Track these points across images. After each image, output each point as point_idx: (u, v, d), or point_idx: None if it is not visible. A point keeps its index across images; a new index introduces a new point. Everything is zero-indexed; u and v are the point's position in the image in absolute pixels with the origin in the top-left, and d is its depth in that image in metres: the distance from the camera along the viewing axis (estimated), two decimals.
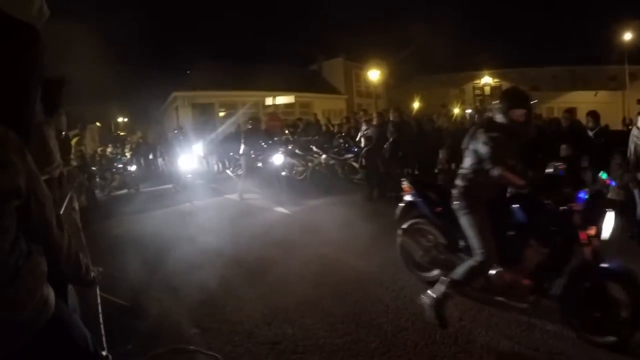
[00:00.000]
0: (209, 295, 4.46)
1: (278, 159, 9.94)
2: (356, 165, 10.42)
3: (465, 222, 3.51)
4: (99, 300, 3.68)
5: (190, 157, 11.46)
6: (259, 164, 9.91)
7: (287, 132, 14.01)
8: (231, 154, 12.65)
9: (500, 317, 3.64)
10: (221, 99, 25.47)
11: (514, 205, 3.50)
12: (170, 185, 12.54)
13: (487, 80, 37.95)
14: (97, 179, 13.38)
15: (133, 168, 14.67)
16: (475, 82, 38.51)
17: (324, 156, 11.16)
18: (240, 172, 10.91)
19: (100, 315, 3.33)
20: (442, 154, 8.18)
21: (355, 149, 10.82)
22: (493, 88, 36.67)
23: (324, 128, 15.39)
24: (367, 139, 9.81)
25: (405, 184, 4.55)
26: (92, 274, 1.91)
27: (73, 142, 9.41)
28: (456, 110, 22.46)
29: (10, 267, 1.36)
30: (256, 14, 57.90)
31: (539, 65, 33.94)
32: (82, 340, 1.68)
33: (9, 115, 1.47)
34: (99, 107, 23.44)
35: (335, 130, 14.56)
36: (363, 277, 4.81)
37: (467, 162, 3.57)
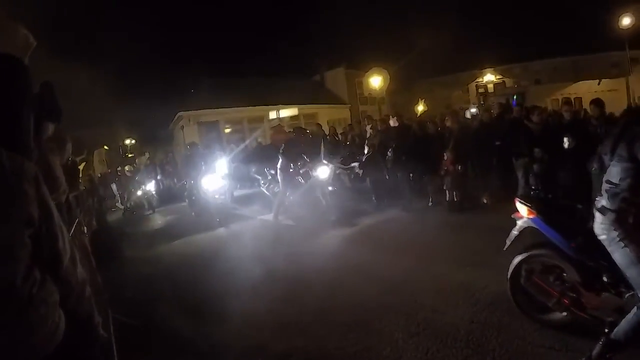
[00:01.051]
0: (221, 311, 4.49)
1: (323, 172, 8.92)
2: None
3: (623, 256, 2.65)
4: (110, 321, 3.73)
5: (215, 177, 9.76)
6: (300, 179, 8.93)
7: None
8: (266, 169, 11.08)
9: (513, 318, 3.60)
10: (226, 116, 25.64)
11: None
12: (184, 203, 12.09)
13: (489, 77, 37.89)
14: (118, 198, 13.37)
15: (150, 187, 14.18)
16: (478, 80, 38.48)
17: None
18: (277, 189, 9.66)
19: (112, 337, 3.38)
20: (447, 156, 8.14)
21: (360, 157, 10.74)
22: (496, 85, 36.58)
23: (328, 138, 15.38)
24: (371, 146, 9.75)
25: (522, 205, 3.56)
26: (101, 331, 1.78)
27: (81, 167, 9.56)
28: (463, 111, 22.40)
29: (23, 295, 1.40)
30: (256, 30, 58.45)
31: (540, 58, 33.86)
32: None
33: (4, 141, 1.52)
34: (106, 130, 23.74)
35: (340, 139, 14.56)
36: (374, 284, 4.79)
37: (617, 174, 2.67)
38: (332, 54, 32.69)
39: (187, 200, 11.67)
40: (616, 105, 14.48)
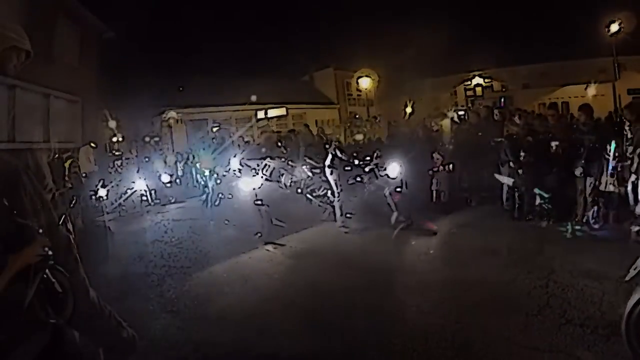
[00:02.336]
0: (208, 313, 4.45)
1: (393, 170, 7.15)
2: None
3: None
4: None
5: (256, 176, 7.47)
6: (359, 180, 7.65)
7: (279, 144, 12.77)
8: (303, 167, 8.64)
9: (497, 318, 3.62)
10: (214, 115, 25.51)
11: None
12: (178, 205, 11.63)
13: (478, 80, 38.11)
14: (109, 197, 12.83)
15: (142, 186, 12.47)
16: (467, 83, 38.69)
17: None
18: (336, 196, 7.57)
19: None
20: (435, 157, 8.19)
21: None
22: (484, 88, 36.81)
23: (316, 138, 15.37)
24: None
25: None
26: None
27: (67, 164, 9.38)
28: (450, 113, 22.49)
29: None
30: (244, 29, 58.16)
31: (528, 63, 34.11)
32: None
33: None
34: (92, 127, 23.37)
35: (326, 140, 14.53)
36: (358, 283, 4.77)
37: None
38: (321, 54, 32.60)
39: (206, 204, 9.94)
40: (603, 110, 14.76)
